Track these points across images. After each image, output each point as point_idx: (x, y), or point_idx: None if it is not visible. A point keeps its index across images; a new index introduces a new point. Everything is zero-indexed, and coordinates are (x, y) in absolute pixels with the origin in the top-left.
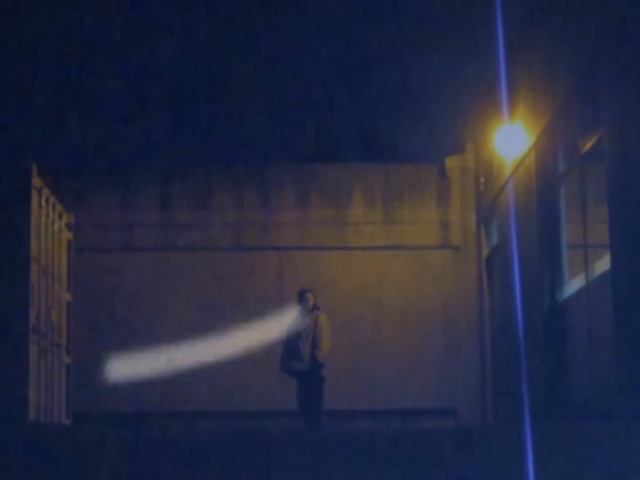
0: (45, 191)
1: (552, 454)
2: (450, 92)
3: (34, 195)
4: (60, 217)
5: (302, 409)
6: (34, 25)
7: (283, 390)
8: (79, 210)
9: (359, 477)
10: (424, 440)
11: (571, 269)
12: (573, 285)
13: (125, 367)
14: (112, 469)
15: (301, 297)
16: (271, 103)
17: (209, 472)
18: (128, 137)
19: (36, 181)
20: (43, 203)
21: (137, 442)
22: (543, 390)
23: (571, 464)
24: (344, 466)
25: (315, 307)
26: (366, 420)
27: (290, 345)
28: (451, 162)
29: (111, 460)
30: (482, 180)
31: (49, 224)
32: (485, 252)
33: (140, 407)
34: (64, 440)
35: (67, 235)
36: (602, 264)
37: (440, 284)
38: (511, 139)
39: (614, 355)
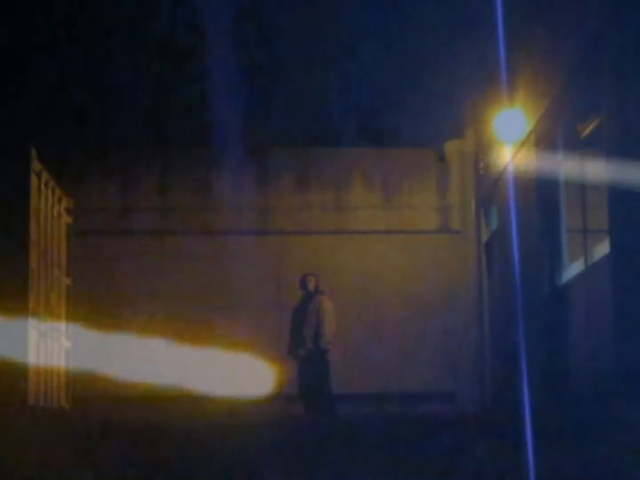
0: (45, 175)
1: (551, 438)
2: (450, 76)
3: (33, 179)
4: (59, 201)
5: (303, 394)
6: (31, 6)
7: (282, 375)
8: (78, 195)
9: (358, 462)
10: (423, 424)
11: (570, 254)
12: (572, 269)
13: (124, 352)
14: (111, 453)
15: (303, 281)
16: (270, 87)
17: (209, 457)
18: (128, 122)
19: (35, 165)
20: (42, 187)
21: (135, 426)
22: (542, 374)
23: (570, 448)
24: (343, 451)
25: (318, 292)
26: (365, 405)
27: (294, 331)
28: (451, 147)
29: (110, 444)
30: (481, 164)
31: (48, 208)
32: (484, 236)
33: (139, 390)
34: (63, 424)
35: (66, 219)
36: (602, 249)
37: (440, 268)
38: (511, 124)
39: (613, 339)
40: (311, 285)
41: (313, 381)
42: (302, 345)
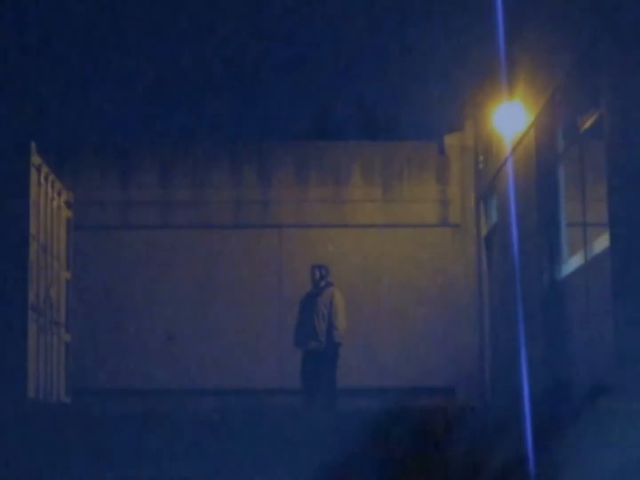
0: (44, 169)
1: (551, 432)
2: (449, 69)
3: (33, 173)
4: (59, 194)
5: (307, 387)
6: (31, 3)
7: (282, 368)
8: (78, 188)
9: (358, 454)
10: (423, 418)
11: (570, 247)
12: (572, 263)
13: (124, 345)
14: (112, 446)
15: (312, 273)
16: (271, 81)
17: (209, 450)
18: (128, 115)
19: (35, 159)
20: (42, 181)
21: (135, 419)
22: (541, 368)
23: (570, 441)
24: (343, 443)
25: (328, 283)
26: (364, 398)
27: (305, 323)
28: (450, 140)
29: (110, 438)
30: (481, 158)
31: (48, 202)
32: (484, 230)
33: (139, 384)
34: (63, 418)
35: (66, 213)
36: (601, 242)
37: (439, 262)
38: (510, 117)
39: (613, 333)
40: (316, 276)
41: (320, 374)
42: (314, 337)
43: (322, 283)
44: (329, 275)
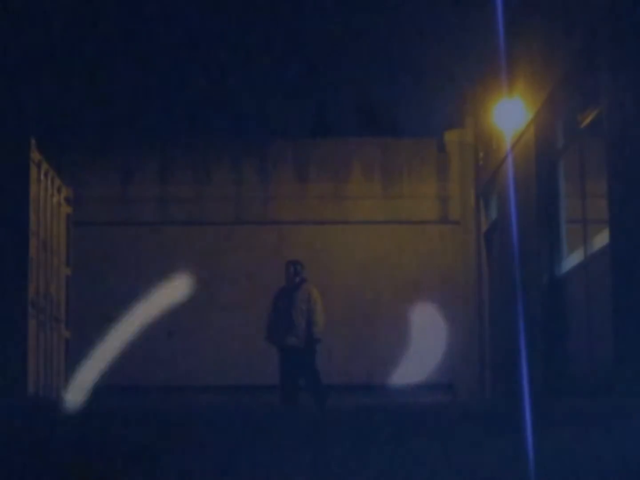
0: (44, 165)
1: (550, 429)
2: (449, 66)
3: (33, 169)
4: (59, 191)
5: (287, 384)
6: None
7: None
8: (77, 184)
9: (354, 452)
10: (421, 414)
11: (570, 244)
12: (572, 260)
13: (124, 341)
14: (111, 443)
15: (288, 269)
16: (270, 78)
17: (206, 447)
18: (128, 111)
19: (35, 155)
20: (42, 177)
21: (134, 415)
22: (541, 364)
23: (568, 439)
24: (340, 441)
25: (302, 279)
26: (363, 395)
27: (281, 319)
28: (450, 137)
29: (109, 434)
30: (481, 154)
31: (48, 198)
32: (484, 226)
33: (138, 380)
34: (62, 414)
35: (66, 209)
36: (601, 239)
37: (439, 259)
38: (510, 114)
39: (612, 330)
40: (296, 273)
41: (300, 371)
42: (293, 333)
43: (297, 279)
44: (304, 271)
